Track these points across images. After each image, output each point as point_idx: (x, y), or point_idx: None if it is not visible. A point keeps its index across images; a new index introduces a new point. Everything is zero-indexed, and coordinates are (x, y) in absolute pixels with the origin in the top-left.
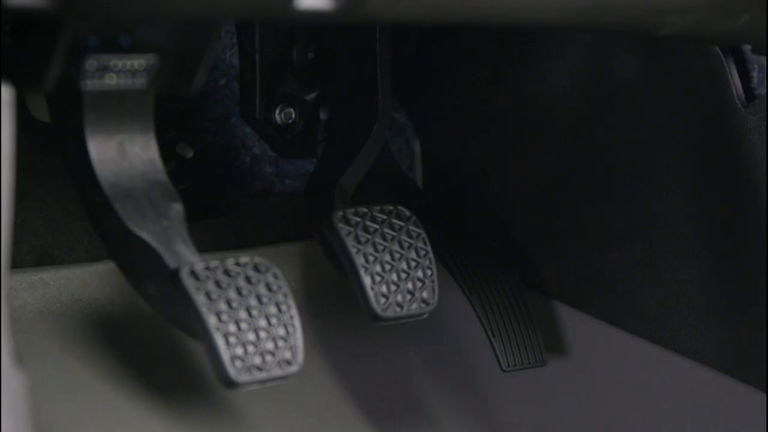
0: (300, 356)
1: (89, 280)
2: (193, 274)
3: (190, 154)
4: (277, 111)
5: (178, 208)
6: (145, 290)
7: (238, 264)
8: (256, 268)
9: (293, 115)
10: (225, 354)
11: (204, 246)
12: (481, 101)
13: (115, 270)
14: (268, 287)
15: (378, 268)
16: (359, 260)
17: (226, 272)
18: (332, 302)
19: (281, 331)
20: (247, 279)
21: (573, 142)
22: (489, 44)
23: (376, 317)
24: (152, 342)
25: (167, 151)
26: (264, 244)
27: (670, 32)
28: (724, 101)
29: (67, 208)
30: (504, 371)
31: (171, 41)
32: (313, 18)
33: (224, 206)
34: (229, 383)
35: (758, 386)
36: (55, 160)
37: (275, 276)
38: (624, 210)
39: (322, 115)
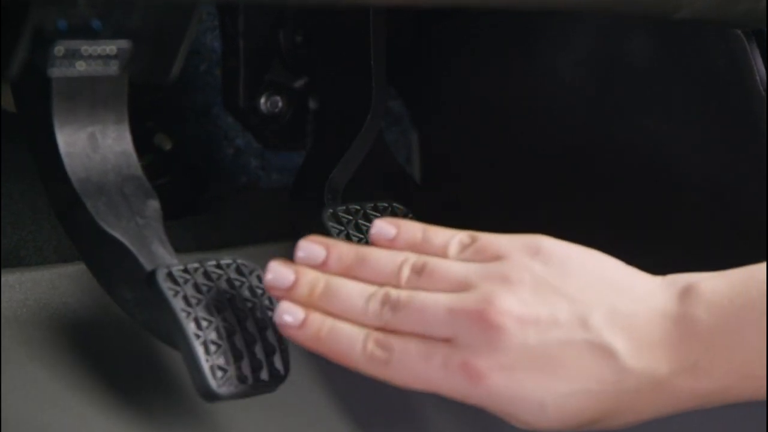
0: (287, 366)
1: (58, 283)
2: (171, 276)
3: (168, 147)
4: (263, 99)
5: (154, 204)
6: (118, 294)
7: (219, 266)
8: (239, 271)
9: (280, 104)
10: (205, 364)
11: (183, 246)
12: (483, 90)
13: (86, 272)
14: (253, 291)
15: None
16: None
17: (207, 275)
18: None
19: (267, 339)
20: (230, 282)
21: (581, 134)
22: (492, 30)
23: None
24: (126, 350)
25: (143, 143)
26: (248, 243)
27: (687, 15)
28: (746, 88)
29: (34, 205)
30: None
31: (147, 24)
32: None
33: (205, 202)
34: (210, 395)
35: None
36: (21, 152)
37: (260, 279)
38: (638, 206)
39: (312, 104)
